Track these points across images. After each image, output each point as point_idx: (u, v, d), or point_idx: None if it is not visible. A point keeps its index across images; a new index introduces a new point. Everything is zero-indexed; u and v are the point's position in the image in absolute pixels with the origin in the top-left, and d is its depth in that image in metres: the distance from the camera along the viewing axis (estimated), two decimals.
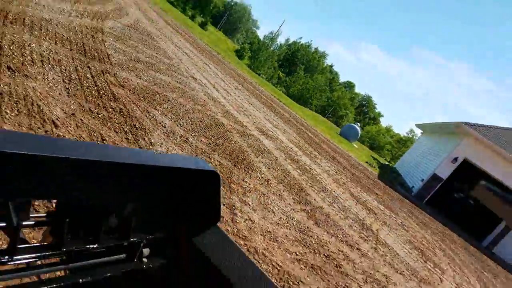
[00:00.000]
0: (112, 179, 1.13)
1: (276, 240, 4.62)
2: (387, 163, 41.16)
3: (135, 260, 1.30)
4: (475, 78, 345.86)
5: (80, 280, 1.08)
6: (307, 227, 5.63)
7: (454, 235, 14.98)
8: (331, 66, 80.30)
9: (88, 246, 1.11)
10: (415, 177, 21.34)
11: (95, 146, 1.14)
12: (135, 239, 1.27)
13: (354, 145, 30.74)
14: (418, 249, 8.73)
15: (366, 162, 22.31)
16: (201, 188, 1.39)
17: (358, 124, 35.27)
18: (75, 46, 6.83)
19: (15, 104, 3.89)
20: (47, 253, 1.01)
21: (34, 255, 0.98)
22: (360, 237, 6.76)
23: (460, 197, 20.26)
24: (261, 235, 4.53)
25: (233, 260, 1.35)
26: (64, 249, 1.04)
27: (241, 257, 1.39)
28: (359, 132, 32.18)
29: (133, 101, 6.08)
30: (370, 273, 5.45)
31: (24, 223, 0.96)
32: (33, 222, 0.98)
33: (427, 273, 7.33)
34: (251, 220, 4.73)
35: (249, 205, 5.14)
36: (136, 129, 5.25)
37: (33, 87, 4.43)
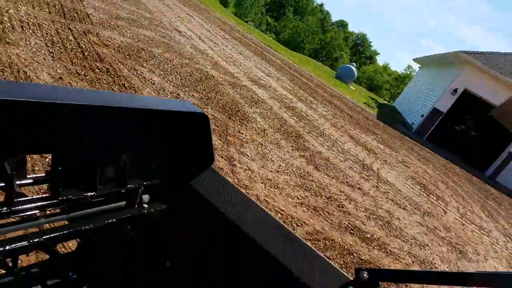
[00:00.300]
0: (103, 124, 1.08)
1: (277, 187, 4.63)
2: (386, 102, 40.93)
3: (136, 207, 1.31)
4: (471, 3, 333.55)
5: (82, 227, 1.08)
6: (307, 172, 5.64)
7: (457, 167, 15.19)
8: (321, 5, 77.05)
9: (85, 194, 1.09)
10: (414, 113, 21.24)
11: (83, 91, 1.08)
12: (132, 186, 1.26)
13: (351, 87, 30.32)
14: (420, 184, 8.87)
15: (365, 103, 22.12)
16: (192, 131, 1.36)
17: (354, 64, 34.41)
18: (53, 9, 6.53)
19: (1, 73, 3.83)
20: (44, 203, 1.00)
21: (31, 205, 0.97)
22: (361, 177, 6.81)
23: (461, 130, 20.25)
24: (261, 183, 4.53)
25: (234, 202, 1.33)
26: (61, 198, 1.03)
27: (243, 198, 1.36)
28: (356, 73, 31.51)
29: (119, 60, 5.87)
30: (373, 210, 5.54)
31: (22, 181, 0.95)
32: (31, 181, 0.98)
33: (430, 206, 7.49)
34: (250, 170, 4.71)
35: (248, 155, 5.10)
36: (126, 88, 5.12)
37: (17, 54, 4.31)
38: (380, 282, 1.23)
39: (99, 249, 1.52)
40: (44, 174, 1.05)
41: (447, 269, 4.97)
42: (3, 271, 1.27)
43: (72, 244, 2.02)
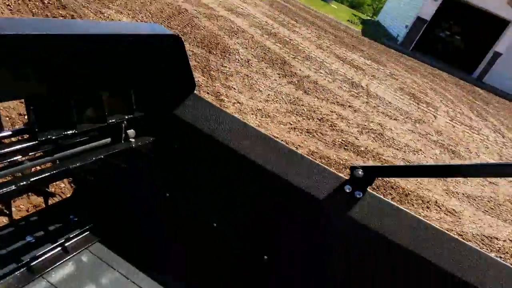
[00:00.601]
0: (68, 54, 1.01)
1: (268, 116, 4.61)
2: (369, 18, 39.53)
3: (122, 142, 1.29)
4: None
5: (70, 166, 1.06)
6: (297, 98, 5.59)
7: (444, 74, 15.17)
8: None
9: (65, 133, 1.06)
10: (399, 25, 20.60)
11: (40, 20, 1.02)
12: (113, 120, 1.23)
13: (333, 5, 29.03)
14: (409, 94, 8.89)
15: (348, 21, 21.34)
16: (165, 55, 1.28)
17: None
18: None
19: None
20: (24, 146, 0.97)
21: (10, 149, 0.94)
22: (351, 95, 6.78)
23: (446, 36, 19.90)
24: (252, 114, 4.50)
25: (225, 126, 1.30)
26: (40, 139, 0.99)
27: (233, 121, 1.32)
28: None
29: (82, 5, 5.46)
30: (365, 125, 5.60)
31: (0, 134, 0.92)
32: (10, 133, 0.95)
33: (421, 114, 7.59)
34: (239, 103, 4.65)
35: (234, 88, 4.99)
36: None
37: None
38: (376, 179, 1.24)
39: (95, 188, 1.51)
40: (23, 127, 1.01)
41: None
42: (1, 226, 1.27)
43: (69, 193, 2.03)
